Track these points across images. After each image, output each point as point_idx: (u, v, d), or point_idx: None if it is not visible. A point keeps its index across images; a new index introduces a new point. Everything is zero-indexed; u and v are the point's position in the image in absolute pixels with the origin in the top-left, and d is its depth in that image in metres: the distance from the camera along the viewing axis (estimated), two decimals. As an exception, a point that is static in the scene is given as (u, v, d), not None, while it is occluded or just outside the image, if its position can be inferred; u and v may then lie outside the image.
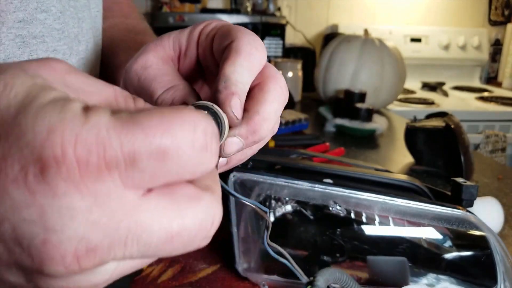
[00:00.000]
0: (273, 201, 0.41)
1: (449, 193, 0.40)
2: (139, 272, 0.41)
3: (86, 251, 0.12)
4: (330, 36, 1.62)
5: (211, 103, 0.20)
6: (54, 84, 0.14)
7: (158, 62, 0.23)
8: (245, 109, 0.21)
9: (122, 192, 0.13)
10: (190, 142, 0.13)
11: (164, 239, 0.13)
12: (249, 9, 1.60)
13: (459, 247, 0.40)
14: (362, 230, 0.40)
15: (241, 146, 0.20)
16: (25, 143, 0.12)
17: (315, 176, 0.39)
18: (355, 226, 0.40)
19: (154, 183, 0.13)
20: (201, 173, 0.14)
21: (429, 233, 0.40)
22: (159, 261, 0.44)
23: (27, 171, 0.12)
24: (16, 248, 0.12)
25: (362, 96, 1.02)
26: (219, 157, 0.21)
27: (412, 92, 1.78)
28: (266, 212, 0.27)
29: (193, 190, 0.14)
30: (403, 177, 0.41)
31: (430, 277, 0.40)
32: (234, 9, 1.58)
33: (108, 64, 0.36)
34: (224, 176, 0.39)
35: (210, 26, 0.23)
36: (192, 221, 0.14)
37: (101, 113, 0.12)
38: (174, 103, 0.21)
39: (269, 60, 1.52)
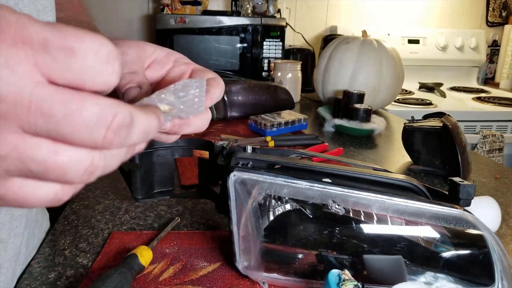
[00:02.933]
0: (273, 200, 0.41)
1: (447, 193, 0.40)
2: (140, 270, 0.41)
3: None
4: (329, 38, 1.62)
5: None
6: None
7: (134, 56, 0.30)
8: None
9: (31, 66, 0.16)
10: (95, 52, 0.16)
11: (64, 114, 0.16)
12: (249, 11, 1.61)
13: (457, 246, 0.40)
14: (360, 229, 0.40)
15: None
16: None
17: (314, 175, 0.40)
18: (354, 225, 0.40)
19: (60, 74, 0.16)
20: (101, 84, 0.17)
21: (427, 232, 0.40)
22: (161, 259, 0.45)
23: None
24: None
25: (360, 97, 1.02)
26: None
27: (410, 92, 1.79)
28: None
29: (99, 96, 0.17)
30: (401, 176, 0.42)
31: (428, 276, 0.40)
32: (235, 11, 1.58)
33: None
34: (224, 176, 0.40)
35: (186, 60, 0.32)
36: (92, 108, 0.16)
37: (29, 17, 0.16)
38: (131, 85, 0.28)
39: (269, 62, 1.53)
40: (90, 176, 0.18)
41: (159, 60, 0.32)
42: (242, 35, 1.50)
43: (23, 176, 0.17)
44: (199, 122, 0.28)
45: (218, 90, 0.29)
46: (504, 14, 2.04)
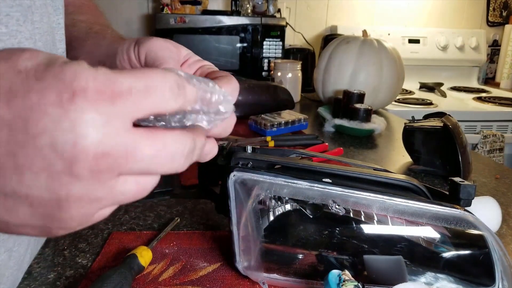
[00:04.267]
0: (273, 200, 0.41)
1: (447, 193, 0.40)
2: (140, 270, 0.41)
3: (102, 155, 0.17)
4: (329, 37, 1.62)
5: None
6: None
7: (174, 55, 0.32)
8: None
9: (124, 116, 0.18)
10: (167, 84, 0.19)
11: (152, 155, 0.19)
12: (249, 10, 1.60)
13: (457, 246, 0.40)
14: (361, 229, 0.40)
15: None
16: (60, 80, 0.17)
17: (315, 175, 0.40)
18: (354, 225, 0.40)
19: (142, 111, 0.18)
20: (175, 110, 0.19)
21: (427, 232, 0.40)
22: (161, 259, 0.45)
23: (61, 97, 0.17)
24: (51, 153, 0.17)
25: (360, 97, 1.02)
26: None
27: (411, 92, 1.79)
28: None
29: (171, 130, 0.20)
30: (402, 176, 0.42)
31: (429, 276, 0.40)
32: (234, 11, 1.58)
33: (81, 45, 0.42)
34: (224, 176, 0.40)
35: (209, 65, 0.33)
36: (172, 145, 0.19)
37: (105, 67, 0.18)
38: None
39: (269, 62, 1.53)
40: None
41: (189, 63, 0.33)
42: (242, 34, 1.50)
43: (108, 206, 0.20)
44: (229, 123, 0.29)
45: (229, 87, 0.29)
46: (504, 14, 2.04)
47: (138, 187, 0.20)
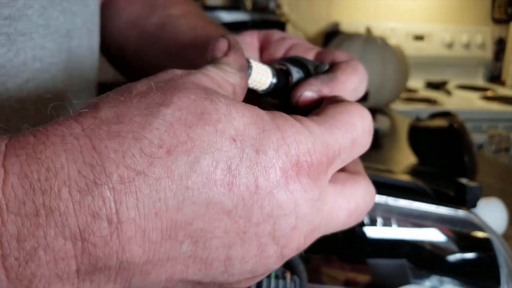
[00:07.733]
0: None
1: (453, 194, 0.40)
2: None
3: (311, 232, 0.16)
4: (331, 34, 1.61)
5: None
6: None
7: (252, 42, 0.28)
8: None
9: (328, 183, 0.17)
10: (366, 129, 0.18)
11: (347, 217, 0.18)
12: (249, 6, 1.60)
13: (463, 249, 0.39)
14: (363, 232, 0.40)
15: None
16: (283, 153, 0.15)
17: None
18: (357, 227, 0.40)
19: (340, 167, 0.17)
20: (365, 150, 0.19)
21: (432, 234, 0.39)
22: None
23: (287, 177, 0.15)
24: (268, 240, 0.15)
25: (364, 96, 1.01)
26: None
27: (415, 91, 1.77)
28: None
29: (351, 176, 0.19)
30: (406, 177, 0.41)
31: (433, 279, 0.39)
32: (234, 6, 1.57)
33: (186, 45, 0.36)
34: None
35: (307, 45, 0.28)
36: (361, 199, 0.18)
37: (310, 123, 0.16)
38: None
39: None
40: None
41: (265, 47, 0.28)
42: (242, 31, 1.49)
43: None
44: None
45: (353, 77, 0.24)
46: (509, 11, 2.02)
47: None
